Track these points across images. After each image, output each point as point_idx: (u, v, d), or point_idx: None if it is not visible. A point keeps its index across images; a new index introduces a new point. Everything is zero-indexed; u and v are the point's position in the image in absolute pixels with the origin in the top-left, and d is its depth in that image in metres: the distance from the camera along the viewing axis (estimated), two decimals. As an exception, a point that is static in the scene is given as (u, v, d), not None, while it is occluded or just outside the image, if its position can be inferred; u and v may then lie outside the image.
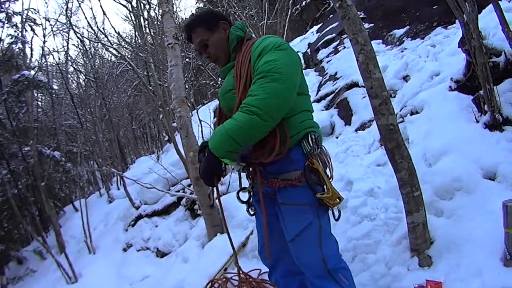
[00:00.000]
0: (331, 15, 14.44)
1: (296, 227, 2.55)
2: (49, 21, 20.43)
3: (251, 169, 2.67)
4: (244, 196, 2.84)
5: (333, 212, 2.67)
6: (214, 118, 10.54)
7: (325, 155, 2.72)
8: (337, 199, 2.57)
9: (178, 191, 8.87)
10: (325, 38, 11.79)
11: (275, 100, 2.28)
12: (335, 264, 2.61)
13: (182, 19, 16.76)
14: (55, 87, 22.13)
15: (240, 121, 2.26)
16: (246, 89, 2.47)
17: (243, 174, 2.84)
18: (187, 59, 13.04)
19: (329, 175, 2.68)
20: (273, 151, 2.44)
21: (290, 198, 2.55)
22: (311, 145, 2.54)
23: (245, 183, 2.86)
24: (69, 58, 19.18)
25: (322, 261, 2.54)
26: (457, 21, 6.66)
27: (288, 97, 2.36)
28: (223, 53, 2.75)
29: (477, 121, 4.49)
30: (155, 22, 14.85)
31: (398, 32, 9.34)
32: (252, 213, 2.89)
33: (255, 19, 15.09)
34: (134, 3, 12.54)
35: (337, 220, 2.67)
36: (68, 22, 15.64)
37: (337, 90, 8.21)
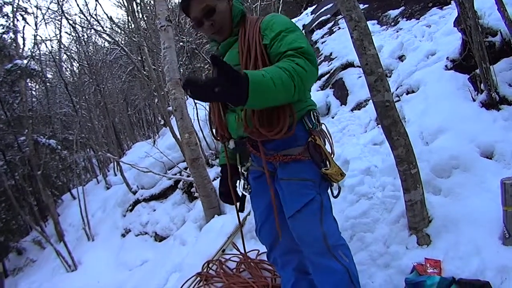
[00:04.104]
0: (326, -3, 14.36)
1: (297, 203, 2.53)
2: (40, 10, 20.37)
3: (248, 146, 2.66)
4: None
5: (331, 190, 2.67)
6: (208, 100, 10.52)
7: (326, 132, 2.71)
8: (340, 175, 2.55)
9: (175, 174, 8.88)
10: (320, 19, 11.71)
11: (311, 80, 2.31)
12: (336, 241, 2.60)
13: (175, 3, 16.61)
14: (49, 75, 22.16)
15: (286, 86, 2.09)
16: (257, 64, 2.43)
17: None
18: (181, 43, 12.97)
19: (330, 152, 2.65)
20: (283, 128, 2.38)
21: (293, 173, 2.53)
22: (313, 122, 2.55)
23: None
24: (62, 46, 19.10)
25: (323, 238, 2.52)
26: (452, 1, 6.65)
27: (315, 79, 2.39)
28: (227, 24, 2.61)
29: (474, 100, 4.48)
30: (148, 7, 14.77)
31: (393, 12, 9.29)
32: (250, 191, 2.86)
33: (249, 1, 15.00)
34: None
35: (335, 197, 2.66)
36: (60, 10, 15.55)
37: (332, 70, 8.18)
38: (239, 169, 2.86)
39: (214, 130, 2.91)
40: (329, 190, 2.67)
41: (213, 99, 1.91)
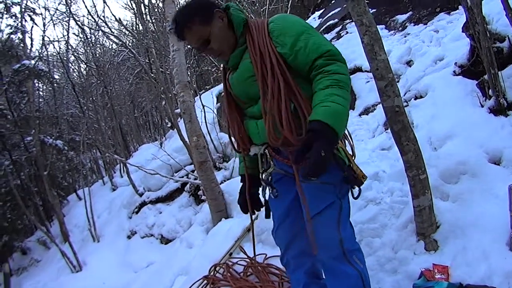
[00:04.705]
0: (333, 1, 14.34)
1: (317, 206, 2.51)
2: (48, 11, 20.46)
3: (272, 150, 2.64)
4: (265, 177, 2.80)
5: (352, 192, 2.63)
6: (217, 103, 10.52)
7: (347, 135, 2.69)
8: (362, 177, 2.50)
9: (182, 177, 8.87)
10: (328, 24, 11.70)
11: (349, 77, 2.36)
12: (351, 246, 2.59)
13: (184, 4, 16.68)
14: (56, 76, 22.20)
15: (348, 98, 2.26)
16: (274, 73, 2.39)
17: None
18: (189, 46, 13.01)
19: (352, 154, 2.61)
20: None
21: None
22: None
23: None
24: (69, 47, 19.16)
25: (339, 243, 2.51)
26: (460, 6, 6.64)
27: None
28: (227, 44, 2.55)
29: (482, 106, 4.48)
30: (156, 10, 14.81)
31: (401, 17, 9.29)
32: (276, 194, 2.76)
33: (257, 4, 15.01)
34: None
35: (356, 198, 2.63)
36: (68, 11, 15.62)
37: (340, 75, 8.16)
38: (260, 175, 2.80)
39: (235, 144, 2.87)
40: (349, 193, 2.63)
41: (327, 159, 2.13)
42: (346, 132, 2.66)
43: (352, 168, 2.44)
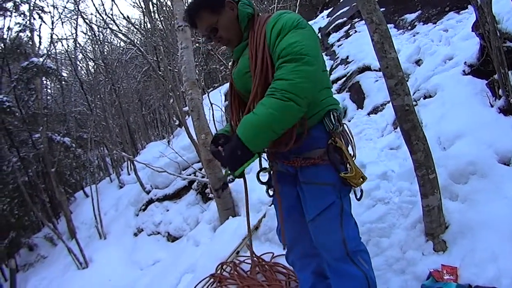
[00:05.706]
0: (342, 0, 14.32)
1: (317, 207, 2.49)
2: (57, 9, 20.54)
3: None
4: (264, 177, 2.76)
5: (355, 192, 2.62)
6: (225, 101, 10.51)
7: (348, 133, 2.64)
8: (361, 179, 2.49)
9: (190, 175, 8.87)
10: (336, 23, 11.66)
11: (309, 84, 2.16)
12: (355, 246, 2.57)
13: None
14: (64, 74, 22.32)
15: (276, 108, 2.11)
16: (263, 71, 2.36)
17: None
18: (197, 44, 13.03)
19: (352, 154, 2.59)
20: (290, 140, 2.36)
21: (313, 177, 2.48)
22: (334, 123, 2.44)
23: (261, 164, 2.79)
24: (77, 45, 19.23)
25: (342, 243, 2.49)
26: (469, 6, 6.59)
27: (318, 79, 2.29)
28: (235, 34, 2.58)
29: (492, 106, 4.43)
30: (164, 7, 14.83)
31: (410, 16, 9.24)
32: (271, 194, 2.80)
33: (265, 3, 15.02)
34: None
35: (359, 199, 2.62)
36: (76, 9, 15.70)
37: (349, 74, 8.12)
38: (256, 174, 2.74)
39: None
40: (352, 193, 2.63)
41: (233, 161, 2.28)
42: (347, 130, 2.65)
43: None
